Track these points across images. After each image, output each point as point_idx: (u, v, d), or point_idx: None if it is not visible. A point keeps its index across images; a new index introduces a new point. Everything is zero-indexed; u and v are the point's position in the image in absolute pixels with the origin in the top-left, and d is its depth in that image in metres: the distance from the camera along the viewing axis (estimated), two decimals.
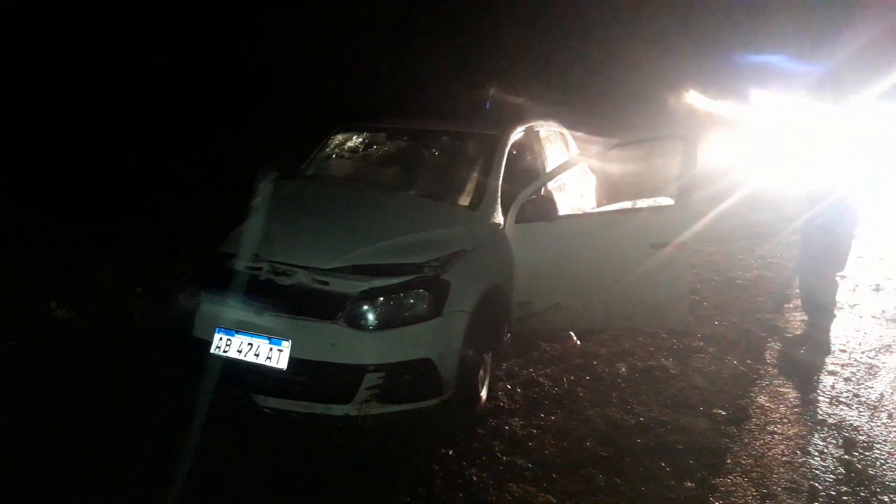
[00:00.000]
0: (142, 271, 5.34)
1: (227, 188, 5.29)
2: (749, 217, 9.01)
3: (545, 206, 4.17)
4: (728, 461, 3.37)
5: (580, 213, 5.03)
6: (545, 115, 5.74)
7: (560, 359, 4.56)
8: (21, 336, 4.40)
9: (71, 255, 5.49)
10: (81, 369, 4.04)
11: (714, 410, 3.90)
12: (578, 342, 4.77)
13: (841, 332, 5.25)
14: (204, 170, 6.66)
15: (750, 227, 8.67)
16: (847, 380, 4.39)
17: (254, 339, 3.37)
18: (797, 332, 5.25)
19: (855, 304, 5.96)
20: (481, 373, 3.80)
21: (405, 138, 4.88)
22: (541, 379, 4.25)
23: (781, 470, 3.30)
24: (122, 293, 5.02)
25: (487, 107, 5.96)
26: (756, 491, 3.10)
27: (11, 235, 5.68)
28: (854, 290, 6.42)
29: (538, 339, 4.75)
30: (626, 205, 4.63)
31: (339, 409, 3.34)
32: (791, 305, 5.89)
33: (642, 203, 4.53)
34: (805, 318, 5.55)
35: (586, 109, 7.64)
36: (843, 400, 4.10)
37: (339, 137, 4.98)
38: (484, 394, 3.87)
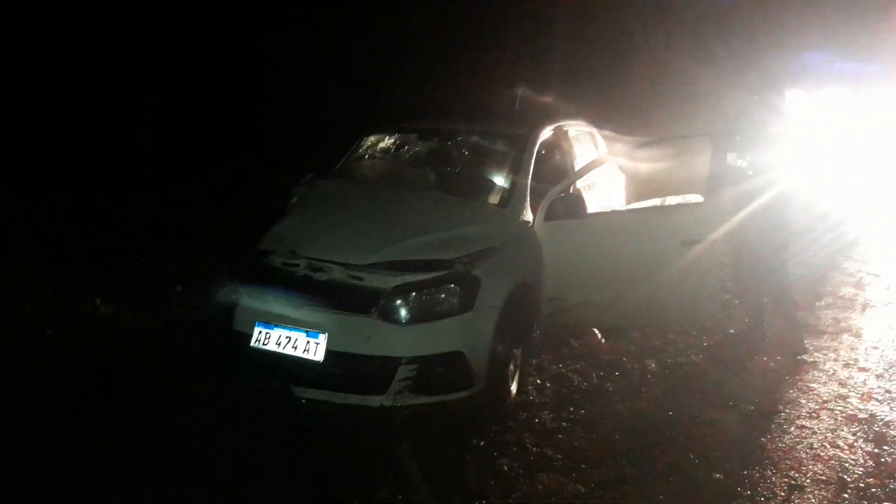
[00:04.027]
0: (182, 269, 5.52)
1: (265, 189, 5.45)
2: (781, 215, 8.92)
3: (574, 204, 4.23)
4: (757, 454, 3.40)
5: (609, 210, 5.07)
6: (574, 115, 5.79)
7: (589, 355, 4.62)
8: (67, 330, 4.58)
9: (113, 256, 5.70)
10: (125, 361, 4.20)
11: (743, 405, 3.93)
12: (603, 340, 4.81)
13: (874, 330, 5.22)
14: (243, 171, 6.86)
15: (782, 226, 8.58)
16: (879, 376, 4.38)
17: (292, 332, 3.50)
18: (828, 329, 5.23)
19: (889, 303, 5.91)
20: (511, 367, 3.87)
21: (436, 138, 4.97)
22: (570, 374, 4.31)
23: (810, 463, 3.32)
24: (163, 291, 5.20)
25: (516, 106, 6.02)
26: (784, 482, 3.14)
27: (57, 236, 5.91)
28: (888, 288, 6.37)
29: (567, 336, 4.81)
30: (655, 202, 4.67)
31: (373, 400, 3.44)
32: (822, 303, 5.86)
33: (671, 200, 4.57)
34: (836, 315, 5.54)
35: (614, 108, 7.66)
36: (875, 396, 4.09)
37: (371, 139, 5.09)
38: (514, 388, 3.94)
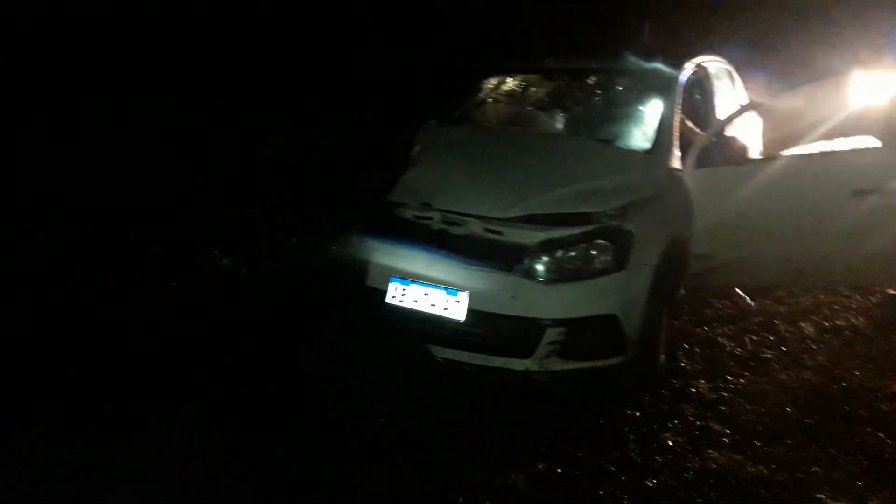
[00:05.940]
0: (300, 222, 5.39)
1: (380, 138, 5.20)
2: None
3: (732, 149, 3.79)
4: None
5: (769, 156, 4.56)
6: (708, 50, 5.24)
7: (736, 317, 4.22)
8: (185, 281, 4.51)
9: (231, 206, 5.63)
10: (245, 315, 4.08)
11: None
12: (751, 302, 4.38)
13: None
14: (357, 121, 6.62)
15: None
16: None
17: (430, 289, 3.26)
18: None
19: None
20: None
21: (565, 78, 4.57)
22: (720, 339, 3.94)
23: None
24: (280, 244, 5.09)
25: (644, 39, 5.53)
26: None
27: (176, 185, 5.87)
28: None
29: (707, 296, 4.41)
30: (823, 146, 4.14)
31: (518, 364, 3.19)
32: None
33: (842, 144, 4.03)
34: None
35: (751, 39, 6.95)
36: None
37: (493, 81, 4.74)
38: (661, 354, 3.61)
